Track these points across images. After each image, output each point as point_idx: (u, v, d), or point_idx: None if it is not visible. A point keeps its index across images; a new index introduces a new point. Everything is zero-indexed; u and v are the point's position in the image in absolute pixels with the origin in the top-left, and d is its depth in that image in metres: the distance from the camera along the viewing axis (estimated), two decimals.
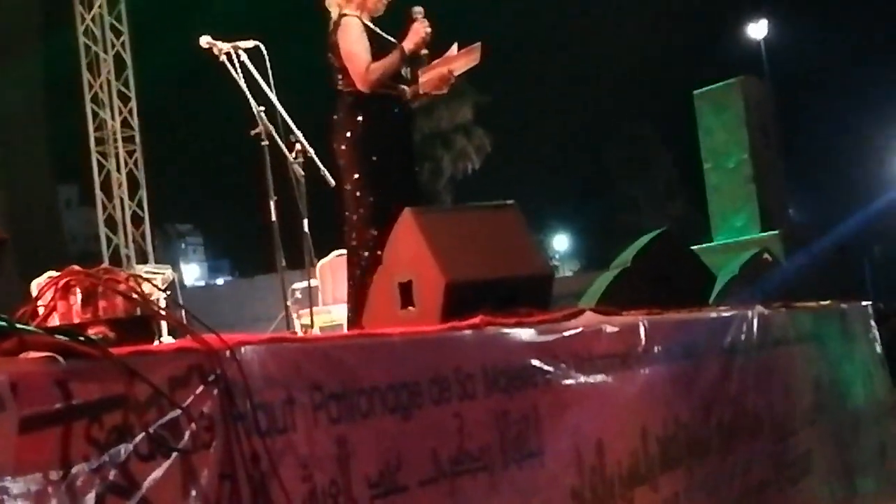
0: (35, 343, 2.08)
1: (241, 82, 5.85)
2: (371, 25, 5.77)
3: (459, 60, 5.77)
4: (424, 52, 5.77)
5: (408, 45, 5.72)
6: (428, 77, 5.78)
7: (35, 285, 7.36)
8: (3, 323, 2.11)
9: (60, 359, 2.06)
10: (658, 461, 4.30)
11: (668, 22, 42.42)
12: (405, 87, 5.79)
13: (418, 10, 5.75)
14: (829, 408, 6.27)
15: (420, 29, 5.71)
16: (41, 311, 2.91)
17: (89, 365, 2.10)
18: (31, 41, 15.36)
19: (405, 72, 5.80)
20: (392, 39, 5.79)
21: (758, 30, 32.30)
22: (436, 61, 5.77)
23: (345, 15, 5.74)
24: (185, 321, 2.63)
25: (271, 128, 5.92)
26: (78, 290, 2.94)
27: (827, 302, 6.87)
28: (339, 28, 5.71)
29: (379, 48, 5.70)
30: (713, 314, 5.46)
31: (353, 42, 5.65)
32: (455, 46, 5.77)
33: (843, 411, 6.47)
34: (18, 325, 2.14)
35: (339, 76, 5.71)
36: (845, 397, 6.55)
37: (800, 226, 11.36)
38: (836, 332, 6.73)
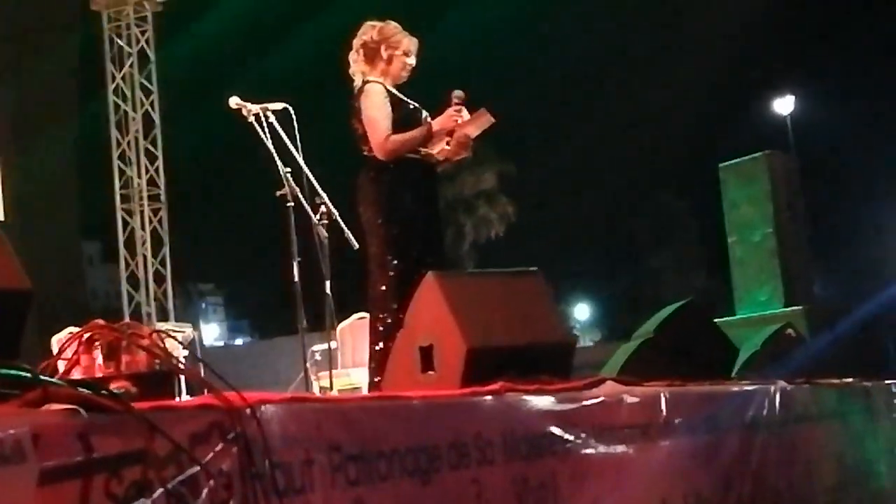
0: (58, 395, 2.08)
1: (269, 144, 5.89)
2: (395, 91, 5.82)
3: (471, 125, 5.80)
4: (448, 138, 5.80)
5: (436, 125, 5.76)
6: (442, 146, 5.82)
7: (55, 341, 7.39)
8: (27, 374, 2.12)
9: (83, 412, 2.05)
10: None
11: (695, 95, 42.63)
12: (430, 152, 5.82)
13: (458, 95, 5.78)
14: (853, 487, 6.18)
15: (454, 116, 5.74)
16: (62, 365, 2.91)
17: (111, 419, 2.10)
18: (65, 101, 15.56)
19: None
20: (416, 105, 5.83)
21: (784, 105, 32.43)
22: (449, 129, 5.79)
23: (368, 81, 5.79)
24: (206, 379, 2.62)
25: (297, 189, 5.95)
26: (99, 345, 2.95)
27: (850, 379, 6.80)
28: (362, 94, 5.76)
29: (403, 114, 5.74)
30: (735, 388, 5.41)
31: (374, 108, 5.70)
32: (465, 111, 5.80)
33: (867, 492, 6.38)
34: (42, 377, 2.14)
35: (363, 141, 5.75)
36: (869, 477, 6.46)
37: (824, 302, 11.30)
38: (860, 411, 6.66)
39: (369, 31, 5.85)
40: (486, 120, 5.80)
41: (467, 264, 40.56)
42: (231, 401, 2.42)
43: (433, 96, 6.01)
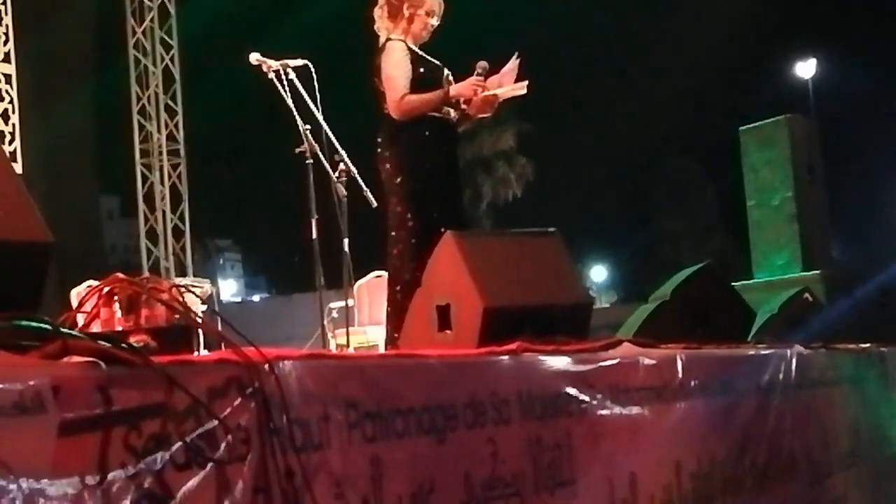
0: (78, 347, 2.08)
1: (289, 100, 5.88)
2: (417, 50, 5.79)
3: (506, 85, 5.75)
4: (464, 106, 5.76)
5: (453, 91, 5.72)
6: (474, 100, 5.77)
7: (74, 294, 7.43)
8: (48, 326, 2.13)
9: (102, 364, 2.06)
10: (691, 498, 4.25)
11: (716, 58, 42.32)
12: (451, 110, 5.80)
13: (482, 66, 5.72)
14: (867, 453, 6.18)
15: (474, 86, 5.68)
16: (82, 318, 2.92)
17: (130, 372, 2.11)
18: (84, 55, 15.53)
19: None
20: (438, 63, 5.80)
21: (806, 69, 32.18)
22: (467, 97, 5.74)
23: (390, 39, 5.77)
24: (224, 334, 2.63)
25: (316, 146, 5.95)
26: (118, 299, 2.96)
27: (867, 345, 6.79)
28: (384, 52, 5.74)
29: (426, 73, 5.72)
30: (751, 351, 5.41)
31: (393, 66, 5.68)
32: (514, 61, 5.74)
33: (882, 457, 6.39)
34: (62, 330, 2.15)
35: (383, 99, 5.73)
36: (884, 443, 6.47)
37: (842, 266, 11.27)
38: (875, 376, 6.65)
39: None
40: (519, 87, 5.74)
41: (485, 224, 40.57)
42: (249, 356, 2.43)
43: (451, 55, 5.98)
